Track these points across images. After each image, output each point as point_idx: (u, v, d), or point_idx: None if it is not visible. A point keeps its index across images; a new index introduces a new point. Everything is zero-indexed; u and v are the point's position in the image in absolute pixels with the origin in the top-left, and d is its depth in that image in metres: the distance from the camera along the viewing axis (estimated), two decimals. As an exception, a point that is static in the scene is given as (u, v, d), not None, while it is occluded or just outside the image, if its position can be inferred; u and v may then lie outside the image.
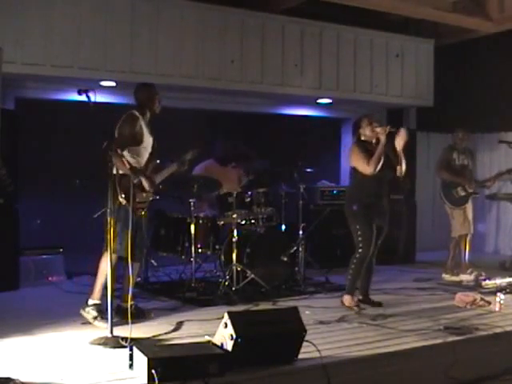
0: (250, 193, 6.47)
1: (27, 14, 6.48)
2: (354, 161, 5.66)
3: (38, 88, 7.22)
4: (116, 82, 7.11)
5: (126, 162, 4.95)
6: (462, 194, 7.22)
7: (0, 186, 6.27)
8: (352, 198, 5.71)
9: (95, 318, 4.95)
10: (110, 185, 4.53)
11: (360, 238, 5.58)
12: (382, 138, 5.51)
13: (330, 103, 8.89)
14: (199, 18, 7.46)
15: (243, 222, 6.50)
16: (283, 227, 6.93)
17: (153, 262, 6.96)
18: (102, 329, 4.74)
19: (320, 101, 8.78)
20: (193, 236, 6.35)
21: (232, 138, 7.67)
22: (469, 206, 7.30)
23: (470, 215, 7.32)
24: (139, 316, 5.19)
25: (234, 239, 6.23)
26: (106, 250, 5.00)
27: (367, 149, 5.61)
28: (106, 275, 4.97)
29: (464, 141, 7.35)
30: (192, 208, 6.40)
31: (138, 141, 5.13)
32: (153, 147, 5.29)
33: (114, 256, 4.97)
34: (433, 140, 9.85)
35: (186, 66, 7.39)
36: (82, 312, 5.00)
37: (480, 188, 7.84)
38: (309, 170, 7.12)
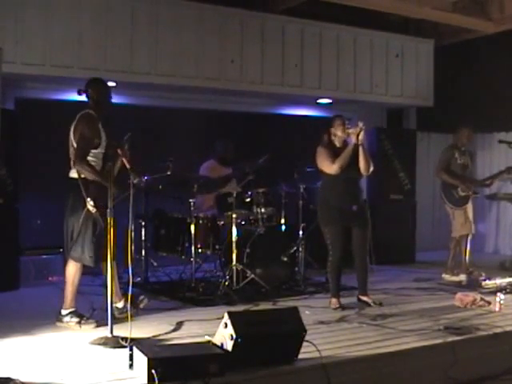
0: (249, 193, 6.47)
1: (27, 14, 6.48)
2: (319, 162, 5.65)
3: (38, 88, 7.22)
4: (116, 82, 7.10)
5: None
6: (463, 194, 7.21)
7: (0, 185, 6.27)
8: (322, 200, 5.72)
9: (79, 322, 4.90)
10: (110, 185, 4.50)
11: (329, 241, 5.61)
12: (354, 139, 5.48)
13: (330, 103, 8.89)
14: (199, 18, 7.46)
15: (243, 222, 6.50)
16: (283, 227, 6.93)
17: (153, 262, 6.97)
18: (91, 329, 4.81)
19: (320, 101, 8.78)
20: (193, 236, 6.35)
21: (232, 138, 7.66)
22: (469, 206, 7.29)
23: (471, 215, 7.31)
24: (135, 306, 5.18)
25: (233, 239, 6.23)
26: (69, 256, 4.94)
27: (334, 150, 5.60)
28: (76, 282, 4.96)
29: (469, 139, 7.34)
30: (192, 208, 6.40)
31: (98, 143, 4.91)
32: (106, 147, 4.98)
33: (79, 265, 4.94)
34: (433, 140, 9.86)
35: (186, 66, 7.39)
36: (58, 324, 4.93)
37: (480, 187, 7.84)
38: (309, 169, 7.11)
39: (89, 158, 4.87)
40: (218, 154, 7.38)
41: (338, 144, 5.68)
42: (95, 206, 4.74)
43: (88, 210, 4.73)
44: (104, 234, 4.62)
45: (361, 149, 5.52)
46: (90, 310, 5.10)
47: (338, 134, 5.65)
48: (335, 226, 5.57)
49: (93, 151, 4.90)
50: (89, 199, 4.71)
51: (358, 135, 5.46)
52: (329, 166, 5.53)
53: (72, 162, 4.91)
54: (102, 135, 4.94)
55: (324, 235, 5.65)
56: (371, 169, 5.64)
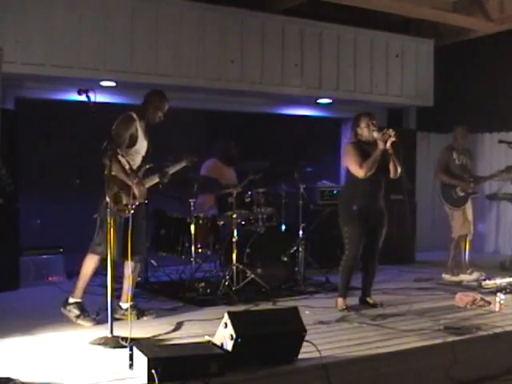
0: (249, 193, 6.47)
1: (27, 14, 6.48)
2: (347, 161, 5.56)
3: (38, 88, 7.21)
4: (116, 81, 7.11)
5: (125, 163, 4.93)
6: (461, 194, 7.20)
7: (0, 185, 6.27)
8: (345, 199, 5.66)
9: (78, 316, 4.98)
10: (107, 184, 4.52)
11: (347, 241, 5.54)
12: (381, 145, 5.37)
13: (330, 103, 8.89)
14: (199, 18, 7.47)
15: (243, 222, 6.50)
16: (283, 227, 6.93)
17: (153, 262, 6.96)
18: (86, 327, 4.88)
19: (320, 101, 8.78)
20: (193, 236, 6.35)
21: (232, 138, 7.66)
22: (468, 207, 7.28)
23: (470, 215, 7.29)
24: (139, 316, 5.20)
25: (234, 239, 6.23)
26: (92, 249, 5.05)
27: (363, 149, 5.49)
28: (89, 275, 5.07)
29: (464, 138, 7.32)
30: (192, 208, 6.40)
31: (131, 143, 5.08)
32: (146, 151, 5.23)
33: (95, 258, 5.03)
34: (433, 140, 9.86)
35: (186, 66, 7.39)
36: (62, 310, 5.02)
37: (480, 185, 7.81)
38: (309, 169, 7.12)
39: (120, 157, 4.93)
40: (221, 153, 7.38)
41: (365, 141, 5.55)
42: (115, 201, 4.77)
43: (106, 204, 4.74)
44: (124, 231, 4.74)
45: (390, 155, 5.42)
46: (96, 311, 5.08)
47: (364, 134, 5.53)
48: (355, 225, 5.48)
49: (126, 149, 5.02)
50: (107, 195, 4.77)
51: (386, 141, 5.35)
52: (356, 170, 5.42)
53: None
54: (138, 136, 5.11)
55: (342, 233, 5.57)
56: (399, 172, 5.57)
